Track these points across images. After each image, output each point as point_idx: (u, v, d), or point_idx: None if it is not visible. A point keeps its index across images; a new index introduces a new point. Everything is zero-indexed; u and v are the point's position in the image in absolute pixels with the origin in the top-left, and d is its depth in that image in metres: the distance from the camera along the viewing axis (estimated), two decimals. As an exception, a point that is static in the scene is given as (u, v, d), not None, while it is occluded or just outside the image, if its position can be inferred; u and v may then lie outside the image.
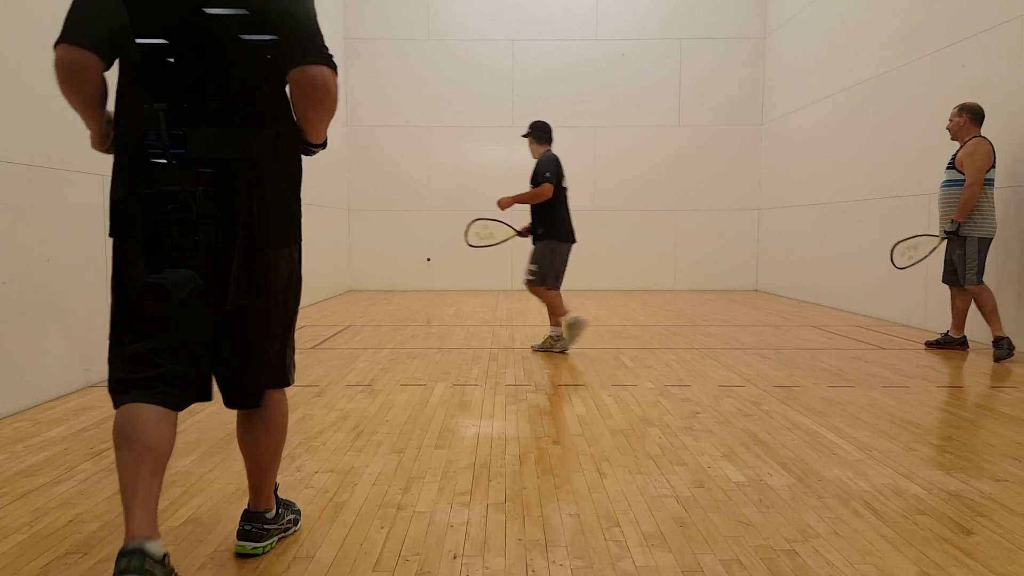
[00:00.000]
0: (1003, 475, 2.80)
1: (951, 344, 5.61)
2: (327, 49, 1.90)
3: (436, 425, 3.51)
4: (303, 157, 2.11)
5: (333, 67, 1.90)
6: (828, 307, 8.72)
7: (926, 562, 2.06)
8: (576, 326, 5.49)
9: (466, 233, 5.82)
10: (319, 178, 9.79)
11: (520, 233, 5.69)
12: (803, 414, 3.71)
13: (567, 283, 5.67)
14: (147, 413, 1.81)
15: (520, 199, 5.53)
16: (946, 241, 5.56)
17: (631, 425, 3.51)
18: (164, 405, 1.84)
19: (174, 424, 1.87)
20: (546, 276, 5.46)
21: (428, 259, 7.87)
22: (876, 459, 2.98)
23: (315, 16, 1.93)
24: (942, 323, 6.42)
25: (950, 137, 5.54)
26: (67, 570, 2.00)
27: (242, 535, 2.09)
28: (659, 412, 3.76)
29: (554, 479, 2.75)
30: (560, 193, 5.46)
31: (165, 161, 1.87)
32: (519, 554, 2.12)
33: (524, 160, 11.13)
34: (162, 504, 2.44)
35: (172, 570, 1.78)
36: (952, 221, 5.33)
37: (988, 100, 5.79)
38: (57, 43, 1.80)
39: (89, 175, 4.22)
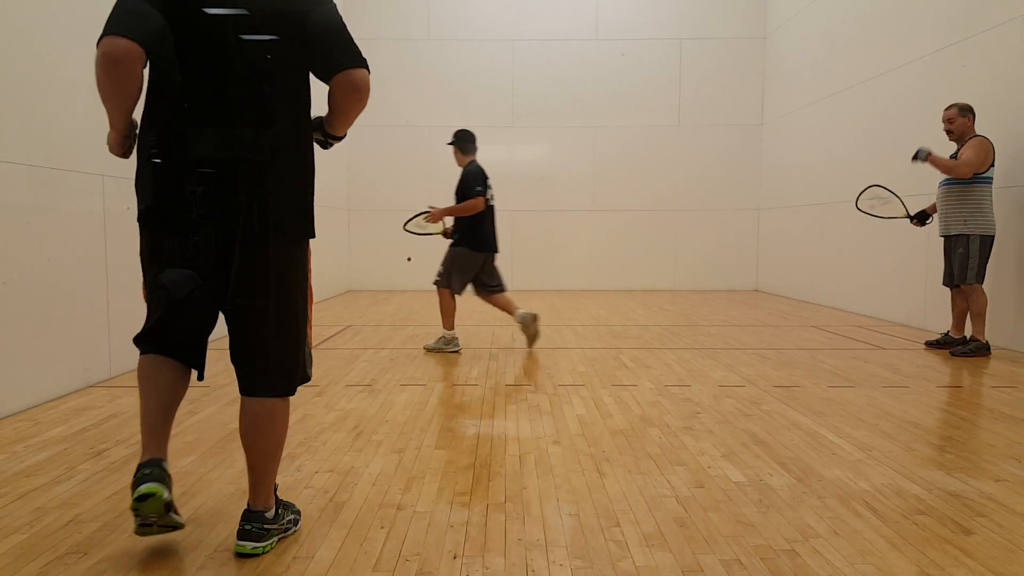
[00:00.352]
0: (1003, 475, 2.80)
1: (951, 344, 5.58)
2: (360, 52, 2.11)
3: (436, 425, 3.51)
4: (314, 155, 2.21)
5: (368, 68, 2.12)
6: (828, 307, 8.72)
7: (926, 562, 2.06)
8: (451, 343, 5.65)
9: (410, 219, 5.93)
10: (319, 178, 9.75)
11: (444, 233, 5.79)
12: (803, 414, 3.72)
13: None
14: (159, 361, 2.15)
15: (451, 211, 5.63)
16: (911, 222, 5.82)
17: (631, 425, 3.51)
18: (175, 359, 2.17)
19: (184, 374, 2.19)
20: (451, 279, 5.62)
21: (408, 259, 7.87)
22: (876, 459, 2.98)
23: (344, 24, 2.13)
24: (942, 323, 6.42)
25: (951, 139, 5.51)
26: (67, 570, 2.00)
27: (242, 535, 2.09)
28: (659, 412, 3.76)
29: (554, 479, 2.75)
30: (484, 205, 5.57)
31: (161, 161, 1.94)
32: (519, 554, 2.12)
33: (524, 160, 11.22)
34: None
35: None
36: (928, 154, 5.36)
37: (988, 100, 5.79)
38: (103, 36, 1.92)
39: (89, 175, 4.22)
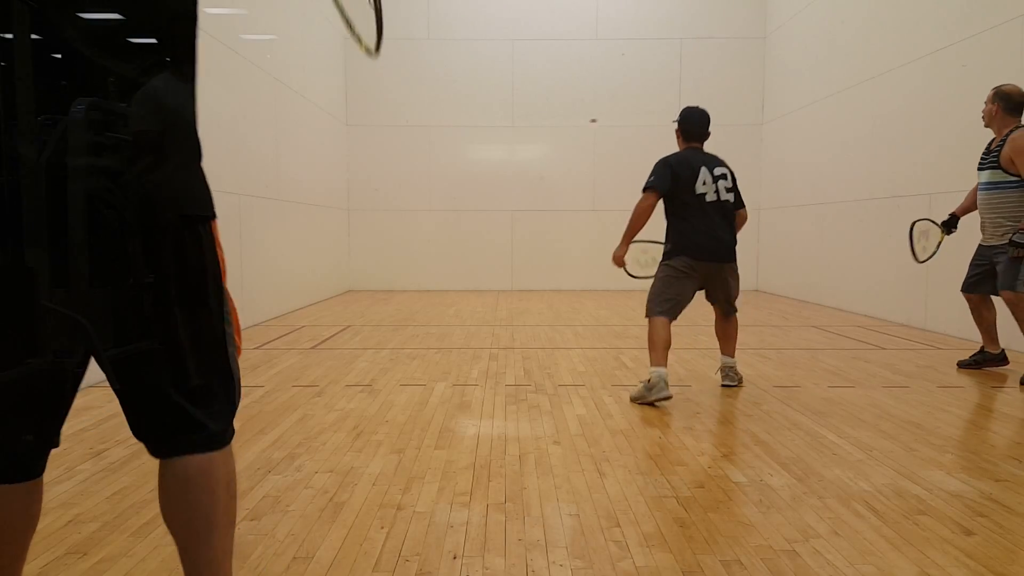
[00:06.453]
0: (1003, 475, 2.80)
1: (991, 361, 4.83)
2: None
3: (436, 425, 3.51)
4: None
5: None
6: (828, 307, 8.71)
7: (926, 562, 2.06)
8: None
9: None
10: (319, 178, 9.78)
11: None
12: (803, 414, 3.71)
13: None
14: None
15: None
16: (948, 236, 5.04)
17: (631, 425, 3.51)
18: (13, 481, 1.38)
19: (30, 496, 1.39)
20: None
21: (593, 120, 6.84)
22: (876, 459, 2.98)
23: None
24: (942, 323, 6.42)
25: (984, 124, 4.72)
26: (67, 570, 2.00)
27: None
28: (659, 412, 3.76)
29: (554, 479, 2.75)
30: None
31: None
32: (519, 554, 2.11)
33: (524, 160, 11.22)
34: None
35: None
36: (1020, 231, 4.33)
37: (988, 100, 5.78)
38: None
39: (89, 175, 4.21)
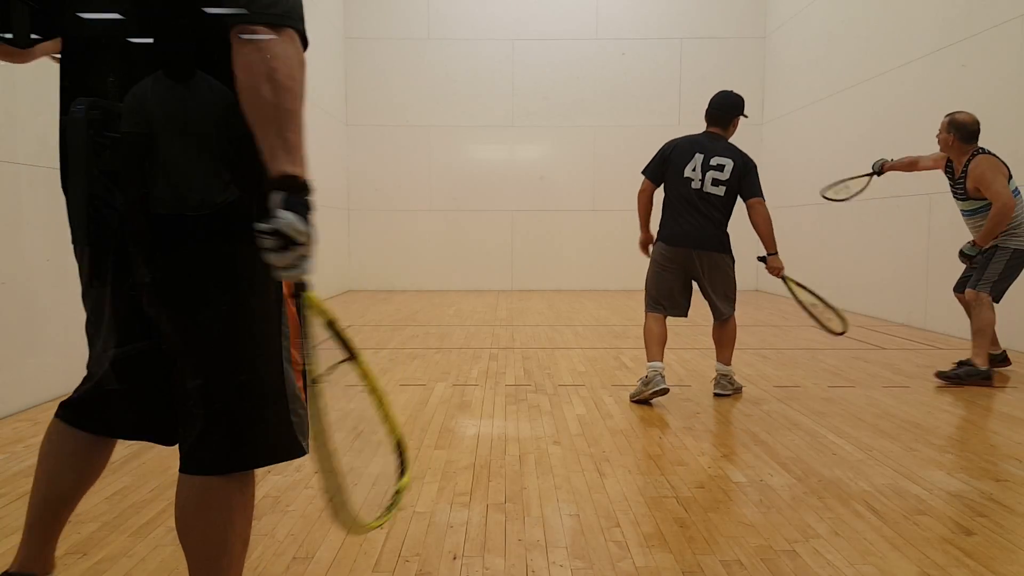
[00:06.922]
0: (1003, 475, 2.80)
1: (994, 362, 4.75)
2: (299, 4, 1.30)
3: (436, 425, 3.51)
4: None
5: (304, 37, 1.30)
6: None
7: (927, 562, 2.06)
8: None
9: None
10: (319, 178, 9.78)
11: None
12: (803, 414, 3.71)
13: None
14: (73, 436, 1.71)
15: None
16: (872, 178, 5.29)
17: (631, 425, 3.51)
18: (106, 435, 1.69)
19: (105, 449, 1.67)
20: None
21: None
22: (876, 459, 2.98)
23: None
24: (942, 323, 6.42)
25: (940, 151, 4.88)
26: (67, 570, 2.00)
27: None
28: (659, 412, 3.76)
29: (554, 479, 2.75)
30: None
31: None
32: (519, 554, 2.11)
33: (524, 160, 11.21)
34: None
35: None
36: (973, 244, 4.55)
37: (988, 100, 5.78)
38: None
39: (89, 175, 4.21)
